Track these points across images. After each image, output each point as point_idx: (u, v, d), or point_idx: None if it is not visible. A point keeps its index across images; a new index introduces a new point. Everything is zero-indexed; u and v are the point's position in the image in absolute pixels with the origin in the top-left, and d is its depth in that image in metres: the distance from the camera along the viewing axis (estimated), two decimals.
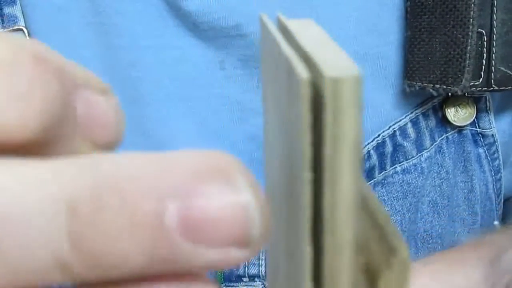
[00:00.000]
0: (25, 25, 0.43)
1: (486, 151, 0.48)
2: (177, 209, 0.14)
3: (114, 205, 0.14)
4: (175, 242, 0.14)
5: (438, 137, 0.47)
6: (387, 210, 0.46)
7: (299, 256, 0.17)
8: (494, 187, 0.50)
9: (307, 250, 0.16)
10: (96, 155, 0.15)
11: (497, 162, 0.49)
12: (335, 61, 0.16)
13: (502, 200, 0.51)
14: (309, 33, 0.18)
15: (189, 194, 0.14)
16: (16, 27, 0.43)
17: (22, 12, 0.43)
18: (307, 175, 0.16)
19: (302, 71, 0.16)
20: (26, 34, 0.43)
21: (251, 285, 0.46)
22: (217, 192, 0.14)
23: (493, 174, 0.49)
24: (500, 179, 0.50)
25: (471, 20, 0.42)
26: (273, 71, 0.19)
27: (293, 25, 0.19)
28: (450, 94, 0.45)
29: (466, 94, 0.46)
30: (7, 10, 0.43)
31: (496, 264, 0.31)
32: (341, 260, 0.16)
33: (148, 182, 0.14)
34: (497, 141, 0.48)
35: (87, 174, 0.14)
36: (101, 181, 0.14)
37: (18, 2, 0.43)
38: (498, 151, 0.49)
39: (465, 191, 0.49)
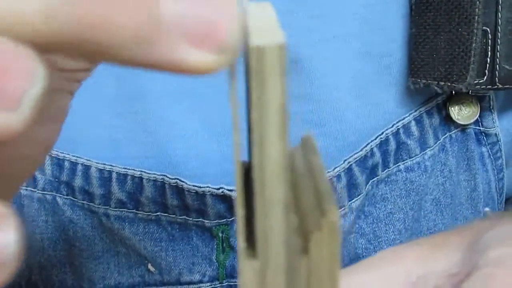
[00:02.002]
0: None
1: (489, 150, 0.48)
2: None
3: None
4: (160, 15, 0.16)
5: (442, 136, 0.47)
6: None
7: (236, 218, 0.18)
8: (497, 186, 0.50)
9: (240, 212, 0.17)
10: None
11: (500, 161, 0.49)
12: (265, 32, 0.17)
13: (504, 199, 0.51)
14: (261, 13, 0.20)
15: None
16: None
17: None
18: (236, 137, 0.17)
19: None
20: None
21: None
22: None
23: (496, 173, 0.49)
24: (502, 178, 0.50)
25: (476, 17, 0.42)
26: None
27: (252, 7, 0.20)
28: (454, 92, 0.45)
29: (470, 93, 0.46)
30: None
31: (475, 246, 0.31)
32: (271, 219, 0.17)
33: None
34: (500, 140, 0.48)
35: None
36: None
37: None
38: (501, 150, 0.49)
39: (468, 189, 0.49)
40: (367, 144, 0.45)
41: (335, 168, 0.44)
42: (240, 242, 0.18)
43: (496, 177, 0.49)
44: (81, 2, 0.15)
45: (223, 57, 0.17)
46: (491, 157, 0.49)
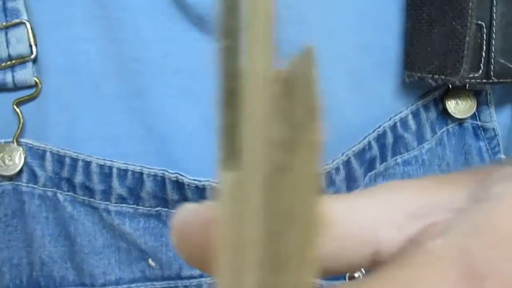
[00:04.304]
0: (28, 18, 0.43)
1: (487, 145, 0.49)
2: None
3: None
4: None
5: (439, 130, 0.47)
6: None
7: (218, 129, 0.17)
8: None
9: (223, 121, 0.16)
10: None
11: (498, 155, 0.49)
12: None
13: None
14: None
15: None
16: (19, 21, 0.43)
17: (25, 6, 0.43)
18: (221, 42, 0.16)
19: None
20: (29, 28, 0.43)
21: None
22: None
23: None
24: None
25: (469, 11, 0.42)
26: None
27: None
28: (450, 86, 0.46)
29: (466, 87, 0.46)
30: (10, 4, 0.43)
31: (484, 182, 0.30)
32: (252, 132, 0.16)
33: None
34: (498, 135, 0.49)
35: None
36: None
37: None
38: (499, 145, 0.49)
39: None
40: (365, 138, 0.45)
41: (333, 161, 0.44)
42: (221, 153, 0.17)
43: None
44: None
45: None
46: (489, 151, 0.49)
